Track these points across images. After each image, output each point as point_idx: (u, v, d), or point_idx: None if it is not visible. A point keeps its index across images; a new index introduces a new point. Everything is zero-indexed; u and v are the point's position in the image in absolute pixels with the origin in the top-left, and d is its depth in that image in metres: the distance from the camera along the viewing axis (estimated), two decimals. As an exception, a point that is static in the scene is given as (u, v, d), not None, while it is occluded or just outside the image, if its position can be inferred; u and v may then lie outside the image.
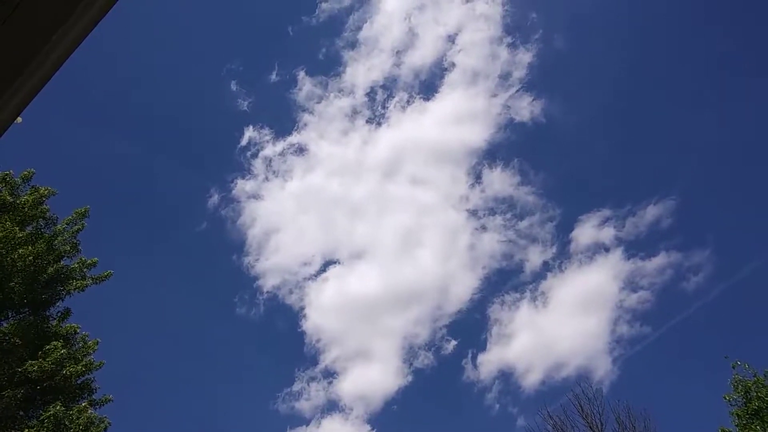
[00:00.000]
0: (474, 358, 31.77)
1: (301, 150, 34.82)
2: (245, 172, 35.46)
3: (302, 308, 33.79)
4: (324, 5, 34.43)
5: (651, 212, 32.53)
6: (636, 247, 33.05)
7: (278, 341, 35.95)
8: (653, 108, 36.83)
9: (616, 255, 32.42)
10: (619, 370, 30.12)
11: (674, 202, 32.76)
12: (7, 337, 12.96)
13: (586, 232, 33.10)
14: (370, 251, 36.92)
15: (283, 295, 33.16)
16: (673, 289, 32.13)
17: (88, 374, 13.81)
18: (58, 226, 14.42)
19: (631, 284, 31.68)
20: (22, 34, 1.70)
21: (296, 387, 31.09)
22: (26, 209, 13.59)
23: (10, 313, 13.58)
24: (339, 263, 34.66)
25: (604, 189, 37.83)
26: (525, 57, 34.11)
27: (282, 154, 34.53)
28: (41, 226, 14.15)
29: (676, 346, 32.47)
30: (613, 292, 31.82)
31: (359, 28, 35.13)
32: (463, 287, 33.95)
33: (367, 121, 35.48)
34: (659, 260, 31.82)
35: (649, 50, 36.43)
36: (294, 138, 34.77)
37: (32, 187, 14.09)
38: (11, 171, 13.82)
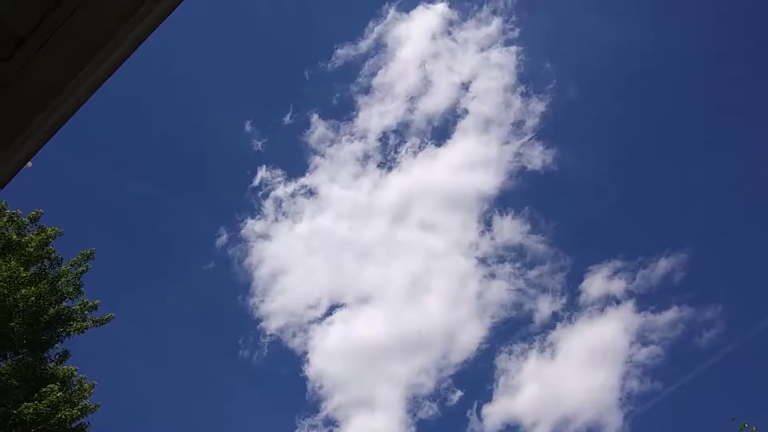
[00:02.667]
0: (479, 409, 31.15)
1: (311, 192, 35.11)
2: (255, 212, 35.68)
3: (305, 352, 33.42)
4: (340, 51, 35.16)
5: (663, 265, 32.33)
6: (647, 301, 32.87)
7: (280, 386, 35.43)
8: (665, 159, 37.26)
9: (627, 308, 32.12)
10: (630, 427, 29.48)
11: (686, 256, 32.61)
12: (4, 378, 12.81)
13: (596, 284, 32.89)
14: (376, 296, 36.73)
15: (286, 338, 32.85)
16: (684, 344, 31.77)
17: (83, 418, 13.58)
18: (63, 267, 14.43)
19: (641, 338, 31.33)
20: (38, 82, 1.74)
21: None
22: (32, 249, 13.62)
23: (8, 353, 13.46)
24: (345, 307, 34.44)
25: (615, 240, 37.81)
26: (538, 106, 34.51)
27: (293, 195, 34.78)
28: (46, 266, 14.16)
29: (688, 403, 31.86)
30: (624, 346, 31.41)
31: (374, 74, 35.73)
32: (471, 336, 33.56)
33: (378, 166, 35.84)
34: (671, 314, 31.51)
35: (661, 100, 36.99)
36: (305, 180, 35.07)
37: (39, 227, 14.17)
38: (19, 210, 13.93)
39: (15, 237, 13.50)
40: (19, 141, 1.82)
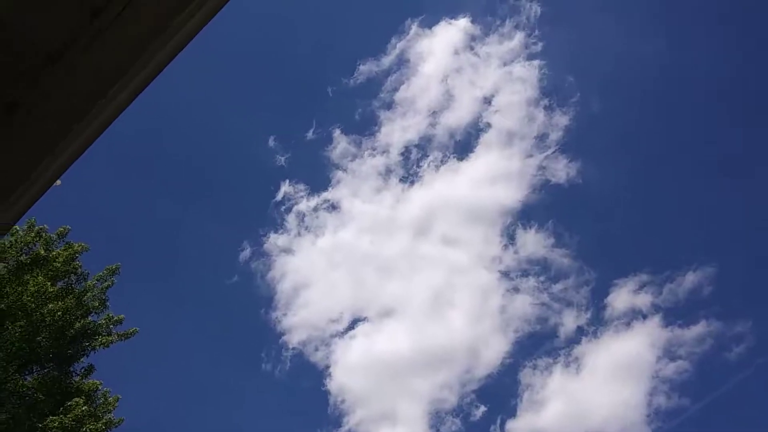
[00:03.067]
0: (503, 425, 30.78)
1: (333, 207, 35.22)
2: (278, 226, 35.93)
3: (327, 366, 33.31)
4: (362, 67, 35.42)
5: (690, 279, 31.72)
6: (674, 315, 32.17)
7: (302, 400, 35.41)
8: (691, 170, 36.74)
9: (654, 322, 31.59)
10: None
11: (714, 269, 31.96)
12: (31, 392, 12.98)
13: (622, 298, 32.40)
14: (399, 310, 36.71)
15: (308, 352, 32.83)
16: (713, 359, 31.12)
17: (108, 432, 13.70)
18: (89, 282, 14.63)
19: (669, 353, 30.77)
20: (63, 102, 1.78)
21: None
22: (59, 265, 13.85)
23: (35, 367, 13.65)
24: (367, 321, 34.33)
25: (640, 253, 37.29)
26: (561, 119, 34.30)
27: (315, 209, 34.92)
28: (72, 281, 14.37)
29: (717, 420, 31.18)
30: (650, 361, 30.86)
31: (396, 90, 35.85)
32: (494, 350, 33.26)
33: (400, 180, 35.92)
34: (699, 329, 30.87)
35: (686, 112, 36.61)
36: (327, 194, 35.22)
37: (66, 243, 14.40)
38: (46, 226, 14.18)
39: (43, 253, 13.74)
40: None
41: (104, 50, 1.64)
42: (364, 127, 39.77)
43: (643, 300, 31.78)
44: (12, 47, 1.59)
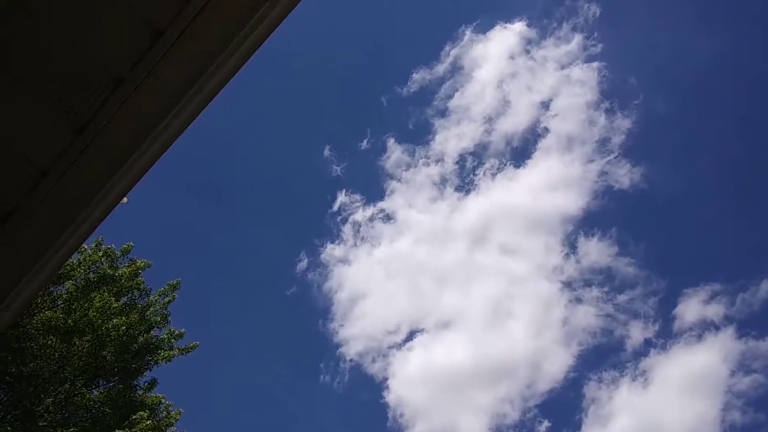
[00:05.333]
0: (567, 440, 29.93)
1: (389, 217, 35.06)
2: (335, 237, 36.10)
3: (385, 378, 33.08)
4: (416, 76, 35.29)
5: (765, 288, 30.16)
6: (749, 326, 30.66)
7: (361, 412, 35.19)
8: (766, 173, 35.13)
9: (727, 334, 30.07)
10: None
11: (792, 278, 30.38)
12: (97, 405, 13.38)
13: (692, 308, 31.06)
14: (457, 321, 36.11)
15: (366, 364, 32.69)
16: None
17: (170, 445, 13.98)
18: (151, 297, 15.04)
19: (743, 366, 29.27)
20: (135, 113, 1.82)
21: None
22: (123, 281, 14.29)
23: (101, 381, 14.07)
24: (425, 332, 33.92)
25: (711, 262, 35.70)
26: (624, 122, 33.04)
27: (371, 219, 34.77)
28: (135, 296, 14.79)
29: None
30: (724, 375, 29.41)
31: (450, 97, 35.27)
32: (556, 364, 32.29)
33: (455, 189, 35.47)
34: (776, 341, 29.45)
35: (760, 113, 34.84)
36: (383, 204, 35.08)
37: (130, 259, 14.86)
38: (113, 245, 14.67)
39: (109, 271, 14.20)
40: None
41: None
42: (419, 136, 39.58)
43: (715, 311, 30.33)
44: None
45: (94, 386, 13.92)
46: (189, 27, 1.54)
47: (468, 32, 34.95)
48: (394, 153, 35.12)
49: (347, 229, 34.62)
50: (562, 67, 34.05)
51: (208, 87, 1.71)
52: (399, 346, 33.26)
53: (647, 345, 31.12)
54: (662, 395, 30.46)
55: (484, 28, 37.78)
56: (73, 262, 13.58)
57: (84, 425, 12.90)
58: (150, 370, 14.66)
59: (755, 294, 30.24)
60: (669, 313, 32.17)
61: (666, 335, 31.10)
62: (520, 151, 35.51)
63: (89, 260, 14.10)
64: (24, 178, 1.80)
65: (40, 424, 12.39)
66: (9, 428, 11.82)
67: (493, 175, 34.96)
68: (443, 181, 35.18)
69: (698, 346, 30.40)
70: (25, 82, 1.71)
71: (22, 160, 1.81)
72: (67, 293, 13.48)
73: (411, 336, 33.34)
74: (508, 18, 38.19)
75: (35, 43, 1.63)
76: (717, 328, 30.31)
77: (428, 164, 35.14)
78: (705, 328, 30.38)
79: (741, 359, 29.39)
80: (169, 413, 14.47)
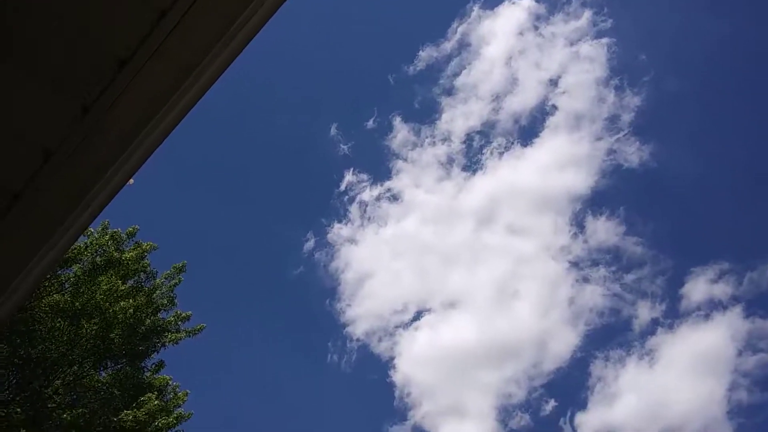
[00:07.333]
0: (572, 418, 30.02)
1: (395, 197, 34.93)
2: (342, 216, 36.03)
3: (392, 358, 33.24)
4: (422, 53, 34.85)
5: (774, 267, 30.18)
6: (756, 305, 30.58)
7: (368, 392, 35.35)
8: None
9: (735, 313, 30.05)
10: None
11: (801, 256, 30.34)
12: (105, 387, 13.51)
13: (699, 288, 30.98)
14: (464, 301, 36.12)
15: (373, 344, 32.79)
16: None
17: (178, 425, 14.11)
18: (157, 280, 15.10)
19: (751, 346, 29.29)
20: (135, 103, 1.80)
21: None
22: (129, 264, 14.35)
23: (109, 363, 14.19)
24: (431, 312, 34.00)
25: (720, 241, 35.41)
26: (634, 100, 32.55)
27: (378, 199, 34.63)
28: (142, 279, 14.86)
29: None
30: (731, 354, 29.51)
31: (457, 75, 34.85)
32: (563, 343, 32.32)
33: (462, 169, 35.22)
34: (783, 320, 29.43)
35: None
36: (390, 184, 34.87)
37: (136, 242, 14.90)
38: (119, 229, 14.71)
39: (115, 254, 14.26)
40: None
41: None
42: (425, 115, 39.18)
43: (723, 290, 30.29)
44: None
45: (102, 368, 14.04)
46: (193, 5, 1.52)
47: (476, 8, 34.64)
48: (401, 132, 34.85)
49: (354, 209, 34.52)
50: (571, 44, 33.55)
51: (213, 67, 1.70)
52: (406, 325, 33.36)
53: (654, 324, 31.15)
54: (669, 374, 30.59)
55: (492, 4, 37.49)
56: (79, 246, 13.63)
57: (92, 407, 13.03)
58: (157, 353, 14.78)
59: (763, 273, 30.16)
60: (676, 292, 32.15)
61: (673, 315, 31.15)
62: (528, 129, 35.04)
63: (96, 244, 14.16)
64: (29, 162, 1.80)
65: (49, 405, 12.52)
66: (18, 410, 11.95)
67: (501, 154, 34.68)
68: (450, 161, 34.96)
69: (705, 326, 30.48)
70: (27, 66, 1.69)
71: (26, 144, 1.80)
72: (74, 276, 13.56)
73: (418, 316, 33.42)
74: (517, -7, 37.57)
75: (38, 27, 1.61)
76: (724, 308, 30.33)
77: (434, 143, 34.91)
78: (712, 307, 30.40)
79: (748, 338, 29.43)
80: (176, 395, 14.61)
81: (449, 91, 35.33)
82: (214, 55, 1.68)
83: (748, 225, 34.94)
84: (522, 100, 34.52)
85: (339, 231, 34.33)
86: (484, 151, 34.72)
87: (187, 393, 14.79)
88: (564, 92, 34.02)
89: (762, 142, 34.59)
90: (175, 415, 13.83)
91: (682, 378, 30.88)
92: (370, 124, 35.20)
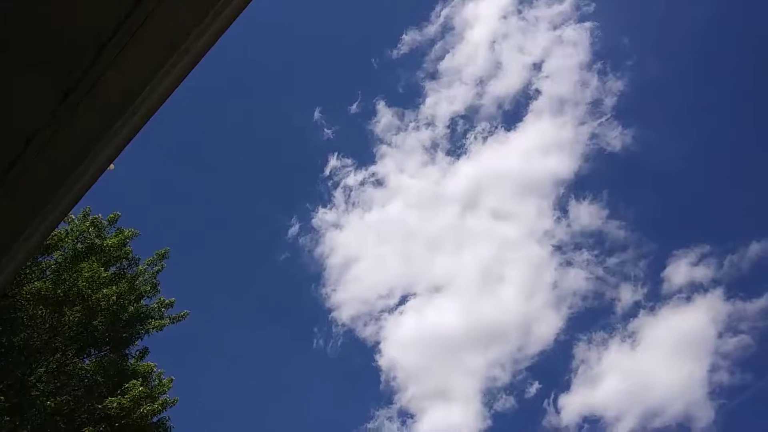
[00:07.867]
0: (556, 400, 30.50)
1: (379, 182, 35.07)
2: (326, 201, 36.00)
3: (378, 342, 33.53)
4: (405, 37, 34.81)
5: (754, 250, 30.78)
6: (736, 288, 31.19)
7: (354, 376, 35.71)
8: (756, 137, 35.16)
9: (715, 295, 30.73)
10: (722, 420, 28.26)
11: (780, 240, 30.70)
12: (89, 374, 13.45)
13: (681, 270, 31.65)
14: (449, 286, 36.56)
15: (358, 328, 32.99)
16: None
17: (163, 412, 14.10)
18: (140, 267, 15.01)
19: (731, 328, 29.96)
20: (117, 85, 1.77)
21: (372, 425, 30.70)
22: (111, 251, 14.23)
23: (92, 351, 14.11)
24: (416, 297, 34.31)
25: (701, 225, 36.12)
26: (616, 84, 33.06)
27: (362, 184, 34.86)
28: (124, 266, 14.76)
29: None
30: (711, 336, 30.12)
31: (441, 59, 35.10)
32: (547, 326, 32.94)
33: (447, 153, 35.36)
34: (762, 302, 30.05)
35: (752, 77, 34.65)
36: (373, 169, 35.08)
37: (117, 228, 14.78)
38: (100, 215, 14.56)
39: (97, 241, 14.13)
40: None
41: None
42: (409, 99, 39.26)
43: (703, 273, 30.97)
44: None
45: (85, 356, 13.97)
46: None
47: (460, -8, 34.46)
48: (384, 116, 34.87)
49: (338, 194, 34.54)
50: (555, 28, 33.94)
51: (194, 49, 1.67)
52: (391, 310, 33.69)
53: (636, 307, 31.80)
54: (651, 356, 31.19)
55: (476, -12, 37.21)
56: (60, 232, 13.48)
57: (76, 394, 12.98)
58: (141, 339, 14.74)
59: (743, 256, 30.84)
60: (658, 275, 32.64)
61: (655, 297, 31.71)
62: (512, 113, 35.62)
63: (77, 230, 14.01)
64: (9, 147, 1.76)
65: (32, 393, 12.44)
66: (2, 398, 11.86)
67: (485, 138, 35.02)
68: (434, 146, 35.15)
69: (687, 308, 31.07)
70: (3, 49, 1.66)
71: (4, 129, 1.77)
72: (55, 264, 13.42)
73: (403, 300, 33.80)
74: (500, -23, 37.34)
75: (14, 9, 1.58)
76: (705, 290, 31.00)
77: (418, 128, 35.01)
78: (693, 290, 31.06)
79: (728, 321, 30.15)
80: (161, 381, 14.58)
81: (433, 75, 35.37)
82: (196, 36, 1.65)
83: (728, 209, 35.60)
84: (505, 85, 34.87)
85: (324, 216, 34.37)
86: (468, 135, 34.98)
87: (171, 379, 14.78)
88: (547, 76, 34.41)
89: (743, 126, 35.06)
90: (160, 402, 13.81)
91: (664, 360, 31.50)
92: (354, 108, 35.15)
